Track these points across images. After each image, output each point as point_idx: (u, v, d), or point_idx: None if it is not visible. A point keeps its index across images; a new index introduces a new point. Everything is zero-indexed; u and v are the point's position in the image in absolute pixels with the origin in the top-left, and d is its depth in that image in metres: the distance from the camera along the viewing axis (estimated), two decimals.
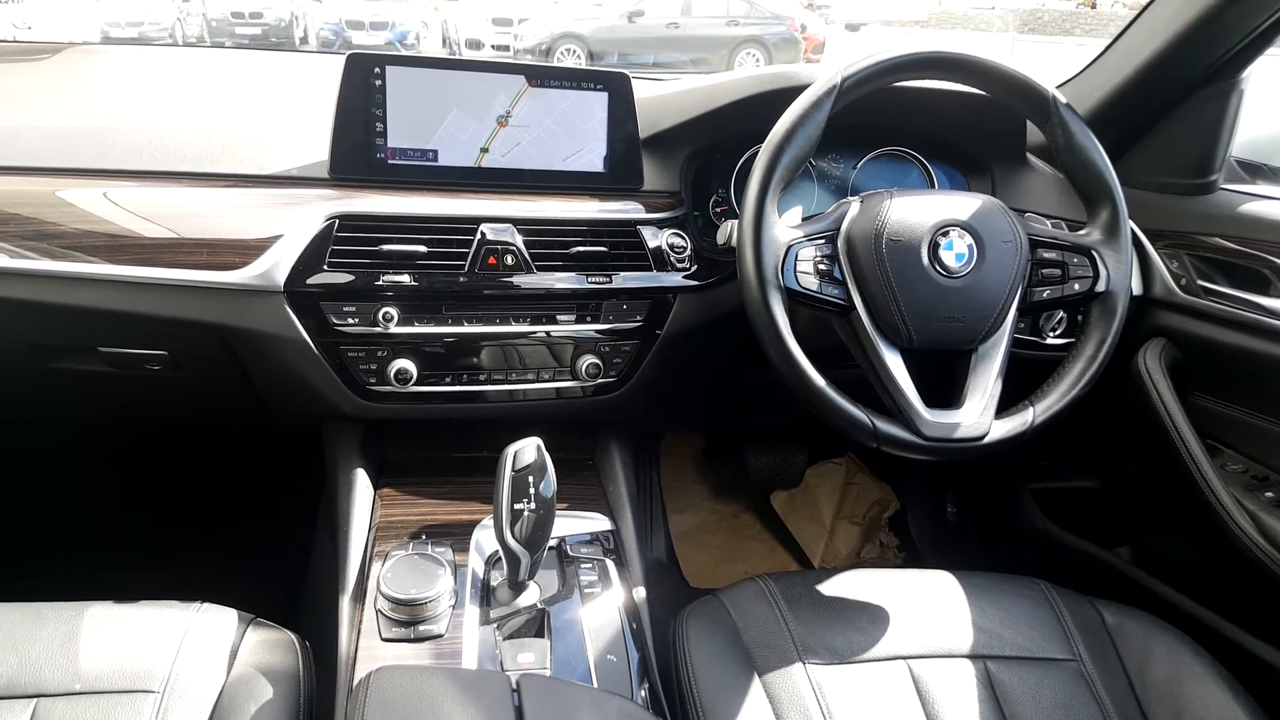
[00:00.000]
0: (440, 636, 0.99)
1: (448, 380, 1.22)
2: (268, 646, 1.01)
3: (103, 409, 1.49)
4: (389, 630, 0.99)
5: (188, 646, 0.97)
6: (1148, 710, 1.06)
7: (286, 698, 0.94)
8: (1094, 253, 1.12)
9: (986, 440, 1.06)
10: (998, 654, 1.09)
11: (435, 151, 1.20)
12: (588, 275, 1.21)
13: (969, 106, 1.31)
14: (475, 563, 1.09)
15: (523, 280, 1.19)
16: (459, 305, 1.18)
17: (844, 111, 1.08)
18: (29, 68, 1.51)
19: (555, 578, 1.11)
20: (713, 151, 1.34)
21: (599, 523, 1.22)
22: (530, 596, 1.04)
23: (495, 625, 1.01)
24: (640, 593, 1.12)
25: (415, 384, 1.19)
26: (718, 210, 1.36)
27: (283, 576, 1.56)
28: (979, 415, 1.06)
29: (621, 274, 1.23)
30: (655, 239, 1.24)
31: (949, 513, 2.05)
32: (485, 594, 1.06)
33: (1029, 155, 1.45)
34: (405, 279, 1.14)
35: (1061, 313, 1.36)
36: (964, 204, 1.10)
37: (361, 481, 1.23)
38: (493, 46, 12.23)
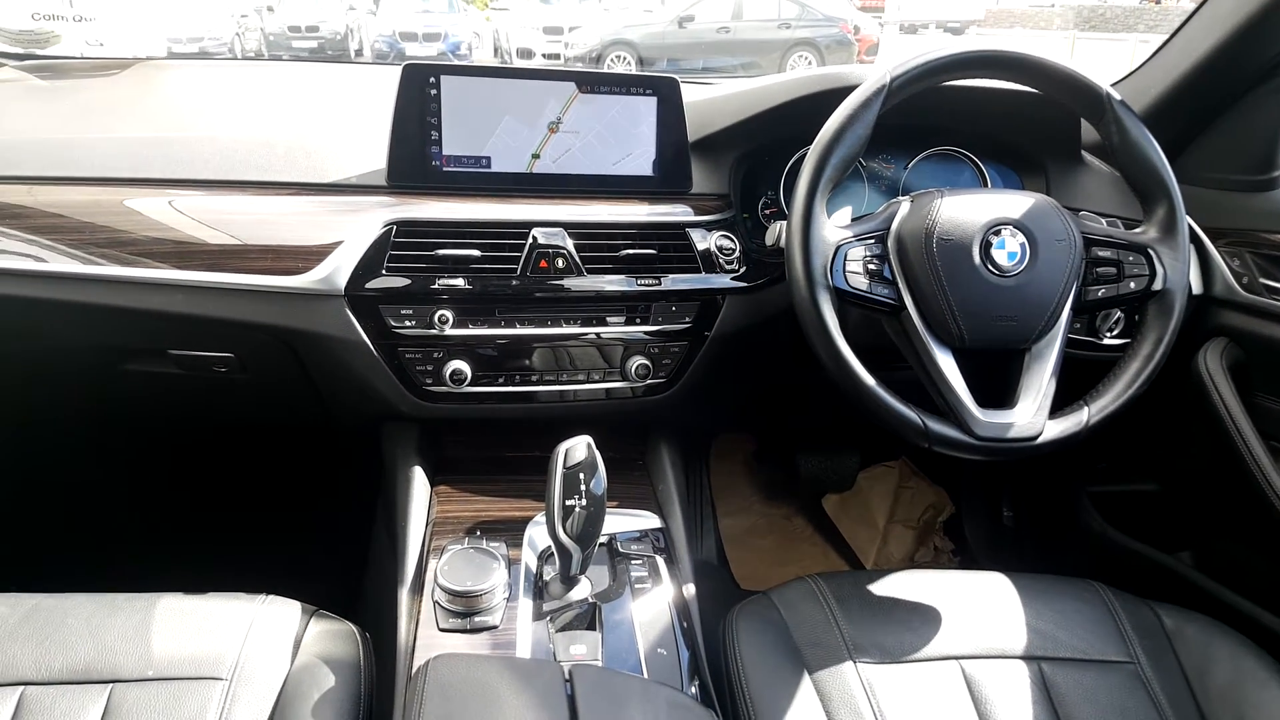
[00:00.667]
0: (495, 628, 1.01)
1: (501, 381, 1.24)
2: (330, 637, 1.04)
3: (173, 409, 1.54)
4: (446, 621, 1.01)
5: (254, 636, 1.00)
6: (1208, 715, 1.03)
7: (348, 685, 0.97)
8: (1150, 250, 1.11)
9: (1040, 440, 1.05)
10: (1052, 655, 1.08)
11: (488, 158, 1.23)
12: (637, 278, 1.23)
13: (1022, 105, 1.30)
14: (528, 557, 1.12)
15: (573, 283, 1.21)
16: (511, 308, 1.21)
17: (894, 111, 1.08)
18: (101, 83, 1.57)
19: (606, 573, 1.12)
20: (762, 154, 1.35)
21: (649, 520, 1.23)
22: (582, 591, 1.06)
23: (548, 618, 1.03)
24: (690, 590, 1.14)
25: (469, 384, 1.21)
26: (766, 213, 1.37)
27: (343, 571, 1.60)
28: (1033, 415, 1.05)
29: (670, 276, 1.24)
30: (704, 241, 1.25)
31: (1005, 516, 2.02)
32: (538, 588, 1.08)
33: (1084, 154, 1.43)
34: (459, 282, 1.17)
35: (1119, 313, 1.34)
36: (1016, 202, 1.10)
37: (419, 479, 1.26)
38: (544, 55, 12.34)
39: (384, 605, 1.12)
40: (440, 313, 1.17)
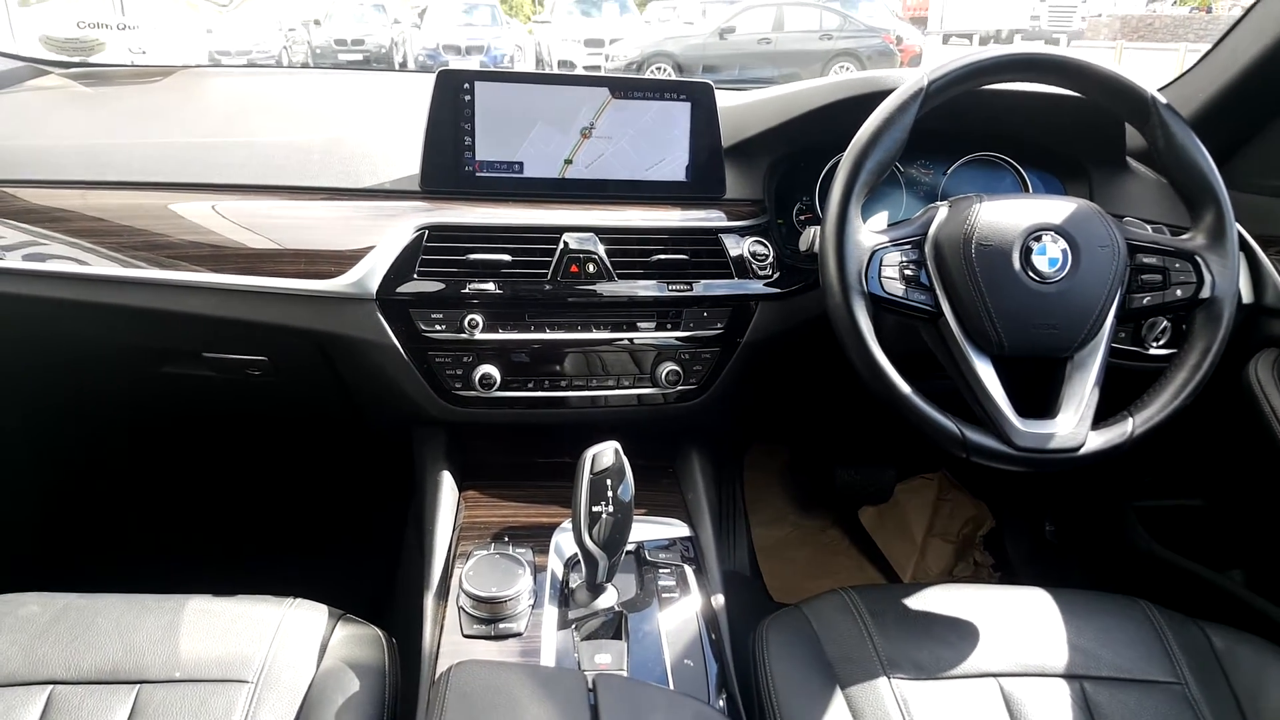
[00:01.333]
0: (520, 635, 1.00)
1: (530, 386, 1.24)
2: (356, 641, 1.04)
3: (207, 412, 1.56)
4: (470, 627, 1.01)
5: (280, 639, 1.01)
6: None
7: (373, 690, 0.97)
8: (1197, 257, 1.07)
9: (1083, 451, 1.02)
10: (1095, 674, 1.04)
11: (521, 164, 1.23)
12: (669, 283, 1.22)
13: (1064, 109, 1.27)
14: (554, 564, 1.11)
15: (604, 288, 1.20)
16: (541, 312, 1.21)
17: (933, 116, 1.06)
18: (143, 90, 1.60)
19: (633, 582, 1.11)
20: (797, 159, 1.33)
21: (678, 529, 1.22)
22: (608, 599, 1.05)
23: (573, 626, 1.02)
24: (719, 600, 1.12)
25: (499, 389, 1.21)
26: (801, 218, 1.35)
27: (374, 575, 1.61)
28: (1074, 425, 1.02)
29: (703, 282, 1.23)
30: (737, 247, 1.24)
31: (1047, 531, 1.97)
32: (564, 595, 1.07)
33: (1129, 160, 1.39)
34: (490, 287, 1.17)
35: (1165, 322, 1.30)
36: (1057, 207, 1.07)
37: (447, 483, 1.26)
38: (584, 68, 12.43)
39: (411, 610, 1.12)
40: (470, 317, 1.17)
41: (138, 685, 0.93)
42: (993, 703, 1.01)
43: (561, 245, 1.19)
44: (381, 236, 1.15)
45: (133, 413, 1.59)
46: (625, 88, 1.23)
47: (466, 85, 1.19)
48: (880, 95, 1.08)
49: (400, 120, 1.31)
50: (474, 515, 1.23)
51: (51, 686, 0.92)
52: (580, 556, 1.01)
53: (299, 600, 1.08)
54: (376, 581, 1.58)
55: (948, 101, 1.07)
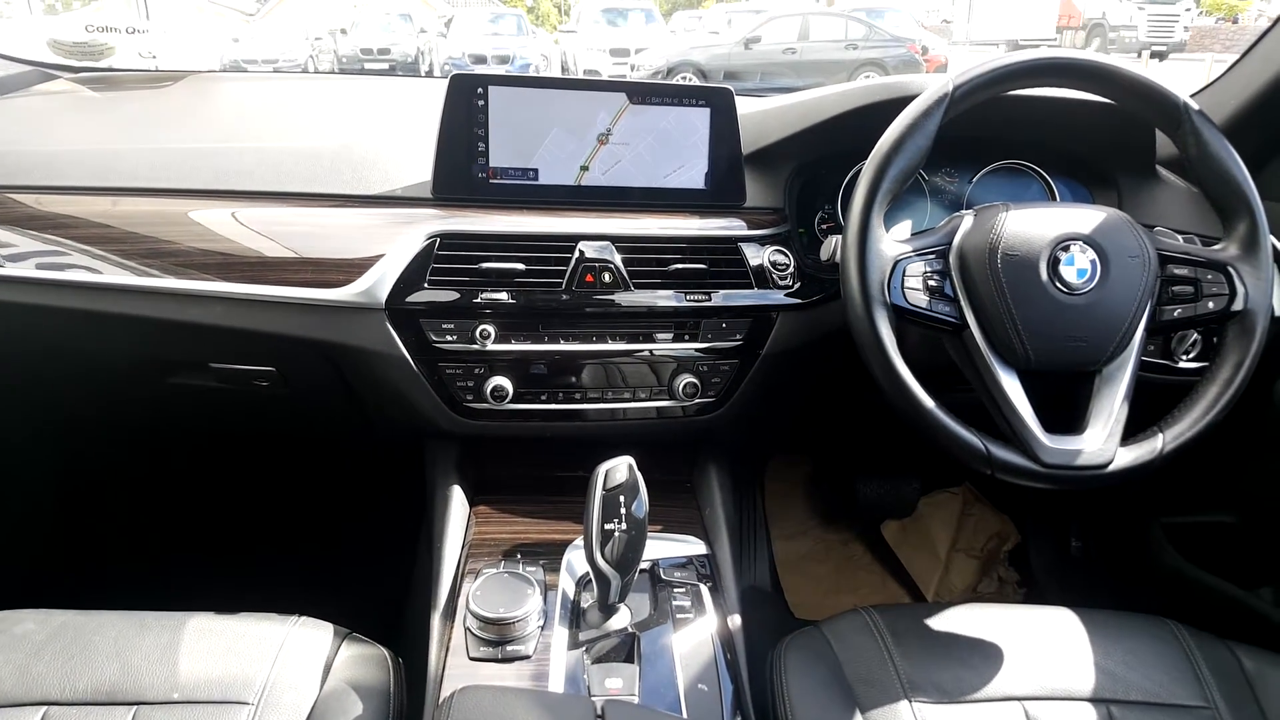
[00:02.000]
0: (528, 657, 0.97)
1: (544, 398, 1.21)
2: (361, 662, 1.02)
3: (215, 424, 1.55)
4: (477, 649, 0.98)
5: (283, 659, 0.98)
6: None
7: (376, 713, 0.95)
8: (1230, 269, 1.03)
9: (1111, 469, 0.99)
10: (1122, 698, 1.01)
11: (536, 170, 1.20)
12: (686, 293, 1.19)
13: (1092, 116, 1.24)
14: (566, 583, 1.08)
15: (620, 298, 1.18)
16: (556, 323, 1.18)
17: (958, 123, 1.03)
18: (151, 95, 1.59)
19: (647, 601, 1.08)
20: (818, 167, 1.30)
21: (694, 546, 1.19)
22: (621, 620, 1.02)
23: (584, 648, 0.99)
24: (735, 620, 1.09)
25: (511, 401, 1.19)
26: (823, 227, 1.32)
27: (384, 594, 1.58)
28: (1103, 442, 0.99)
29: (721, 292, 1.20)
30: (757, 256, 1.21)
31: (1073, 547, 1.92)
32: (575, 616, 1.04)
33: (1159, 168, 1.35)
34: (503, 296, 1.15)
35: (1196, 335, 1.26)
36: (1086, 217, 1.03)
37: (457, 498, 1.24)
38: (610, 77, 12.51)
39: (419, 630, 1.10)
40: (482, 327, 1.15)
41: (135, 706, 0.91)
42: None
43: (577, 254, 1.16)
44: (391, 244, 1.13)
45: (138, 426, 1.58)
46: (643, 93, 1.20)
47: (480, 90, 1.17)
48: (904, 101, 1.05)
49: (413, 126, 1.29)
50: (485, 532, 1.20)
51: (46, 707, 0.90)
52: (592, 576, 0.98)
53: (303, 618, 1.05)
54: (388, 600, 1.55)
55: (973, 108, 1.04)
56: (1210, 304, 1.04)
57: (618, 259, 1.17)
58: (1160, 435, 1.02)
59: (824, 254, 1.18)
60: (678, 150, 1.22)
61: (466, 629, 1.00)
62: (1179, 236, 1.20)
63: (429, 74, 13.07)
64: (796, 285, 1.22)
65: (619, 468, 0.96)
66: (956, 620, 1.11)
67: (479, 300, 1.15)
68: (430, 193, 1.19)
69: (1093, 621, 1.10)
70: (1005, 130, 1.30)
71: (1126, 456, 1.00)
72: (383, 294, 1.12)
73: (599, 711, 0.82)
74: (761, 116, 1.31)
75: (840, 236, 1.05)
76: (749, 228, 1.23)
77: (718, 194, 1.24)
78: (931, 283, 1.02)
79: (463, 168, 1.19)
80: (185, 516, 1.87)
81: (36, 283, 1.15)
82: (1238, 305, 1.03)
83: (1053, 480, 0.98)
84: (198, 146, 1.27)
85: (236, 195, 1.19)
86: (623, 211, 1.21)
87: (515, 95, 1.18)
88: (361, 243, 1.14)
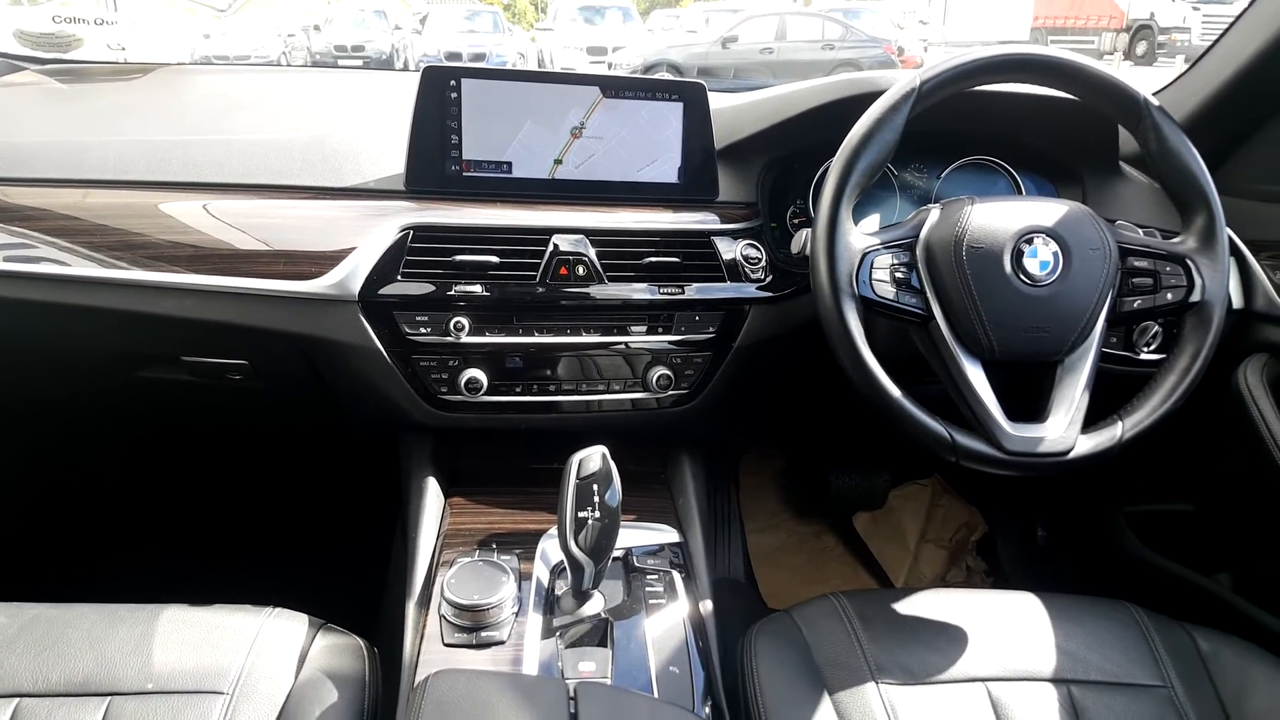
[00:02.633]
0: (502, 643, 0.98)
1: (518, 390, 1.22)
2: (336, 651, 1.02)
3: (187, 418, 1.53)
4: (451, 636, 0.99)
5: (258, 650, 0.99)
6: None
7: (352, 702, 0.95)
8: (1188, 261, 1.06)
9: (1072, 455, 1.01)
10: (1082, 678, 1.03)
11: (509, 163, 1.21)
12: (660, 286, 1.20)
13: (1058, 113, 1.26)
14: (540, 571, 1.09)
15: (594, 291, 1.19)
16: (530, 315, 1.19)
17: (927, 119, 1.05)
18: (120, 87, 1.58)
19: (620, 588, 1.09)
20: (790, 162, 1.32)
21: (667, 535, 1.20)
22: (594, 606, 1.03)
23: (558, 633, 1.00)
24: (707, 606, 1.10)
25: (485, 393, 1.19)
26: (795, 222, 1.34)
27: (359, 585, 1.59)
28: (1064, 429, 1.01)
29: (694, 285, 1.21)
30: (730, 250, 1.22)
31: (1039, 536, 1.96)
32: (549, 602, 1.05)
33: (1122, 165, 1.38)
34: (477, 289, 1.16)
35: (1156, 326, 1.29)
36: (1049, 210, 1.06)
37: (432, 489, 1.24)
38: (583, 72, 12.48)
39: (394, 619, 1.10)
40: (456, 320, 1.16)
41: (109, 698, 0.91)
42: (980, 707, 1.00)
43: (551, 247, 1.17)
44: (364, 237, 1.13)
45: (108, 419, 1.56)
46: (617, 87, 1.21)
47: (453, 82, 1.17)
48: (873, 96, 1.07)
49: (385, 119, 1.29)
50: (459, 522, 1.21)
51: (18, 699, 0.90)
52: (566, 563, 1.00)
53: (278, 610, 1.06)
54: (363, 591, 1.56)
55: (941, 103, 1.05)
56: (1169, 295, 1.06)
57: (592, 252, 1.18)
58: (1120, 423, 1.04)
59: (794, 247, 1.20)
60: (651, 144, 1.23)
61: (441, 616, 1.01)
62: (1140, 230, 1.22)
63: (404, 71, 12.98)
64: (768, 279, 1.24)
65: (592, 457, 0.97)
66: (923, 605, 1.13)
67: (453, 293, 1.15)
68: (403, 185, 1.19)
69: (1055, 605, 1.13)
70: (973, 126, 1.32)
71: (1087, 444, 1.02)
72: (355, 286, 1.12)
73: (572, 693, 0.83)
74: (734, 112, 1.32)
75: (810, 230, 1.07)
76: (722, 222, 1.24)
77: (691, 188, 1.25)
78: (899, 275, 1.04)
79: (436, 160, 1.19)
80: (158, 509, 1.86)
81: (3, 275, 1.14)
82: (1195, 296, 1.05)
83: (1015, 467, 1.00)
84: (168, 138, 1.26)
85: (207, 187, 1.19)
86: (596, 205, 1.22)
87: (488, 88, 1.18)
88: (334, 235, 1.14)
